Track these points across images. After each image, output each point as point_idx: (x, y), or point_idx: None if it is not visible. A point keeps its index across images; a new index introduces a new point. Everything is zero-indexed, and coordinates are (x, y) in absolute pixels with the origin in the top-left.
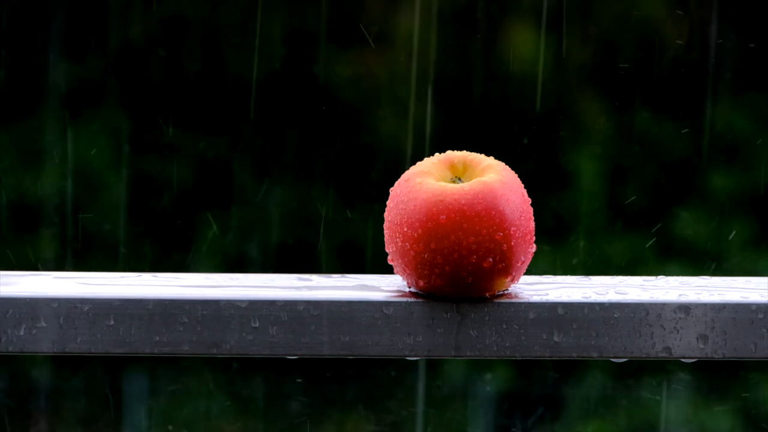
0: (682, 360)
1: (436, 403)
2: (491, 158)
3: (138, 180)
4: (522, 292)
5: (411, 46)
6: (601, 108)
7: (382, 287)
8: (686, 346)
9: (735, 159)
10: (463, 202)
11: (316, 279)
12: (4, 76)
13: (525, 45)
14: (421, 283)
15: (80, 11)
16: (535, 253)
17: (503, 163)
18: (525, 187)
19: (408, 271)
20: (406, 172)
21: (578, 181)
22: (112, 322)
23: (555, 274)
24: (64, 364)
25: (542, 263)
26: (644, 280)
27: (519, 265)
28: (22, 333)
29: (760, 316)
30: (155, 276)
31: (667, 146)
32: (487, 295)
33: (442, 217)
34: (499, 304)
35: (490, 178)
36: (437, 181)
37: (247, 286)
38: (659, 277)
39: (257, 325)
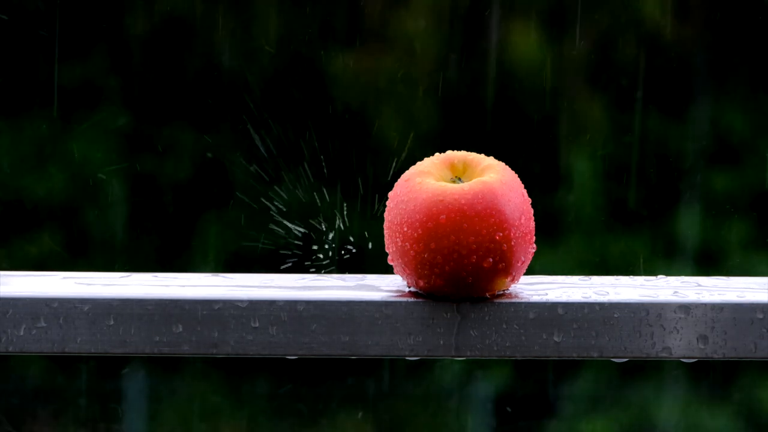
0: (682, 360)
1: (435, 403)
2: (491, 158)
3: (138, 179)
4: (522, 292)
5: (412, 46)
6: (600, 108)
7: (382, 287)
8: (686, 346)
9: (735, 159)
10: (463, 202)
11: (315, 279)
12: (3, 76)
13: (525, 45)
14: (421, 283)
15: (80, 10)
16: (535, 253)
17: (503, 163)
18: (525, 187)
19: (408, 271)
20: (406, 172)
21: (578, 181)
22: (112, 322)
23: (555, 274)
24: (64, 364)
25: (542, 263)
26: (644, 280)
27: (519, 265)
28: (22, 333)
29: (760, 316)
30: (155, 276)
31: (667, 146)
32: (487, 295)
33: (442, 217)
34: (499, 304)
35: (490, 178)
36: (437, 181)
37: (247, 286)
38: (659, 277)
39: (257, 325)
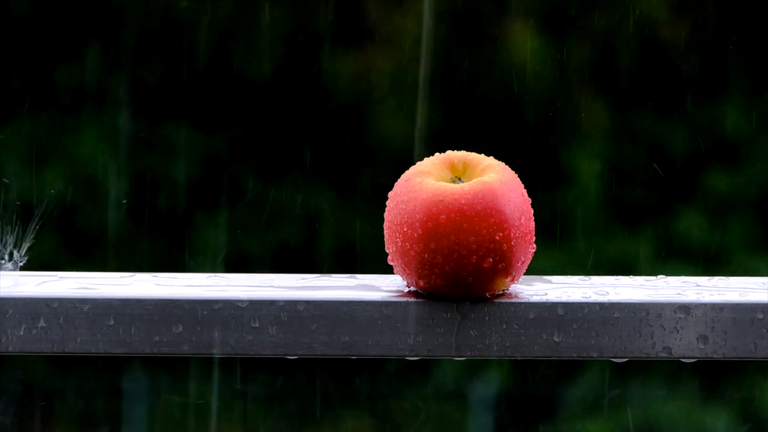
0: (682, 360)
1: (435, 403)
2: (491, 158)
3: (138, 179)
4: (522, 292)
5: (411, 46)
6: (600, 107)
7: (382, 287)
8: (686, 346)
9: (735, 159)
10: (463, 202)
11: (316, 279)
12: (3, 75)
13: (525, 44)
14: (421, 283)
15: (80, 10)
16: (535, 253)
17: (503, 163)
18: (525, 187)
19: (408, 271)
20: (406, 172)
21: (578, 181)
22: (112, 322)
23: (555, 274)
24: (64, 364)
25: (542, 263)
26: (644, 280)
27: (519, 265)
28: (22, 333)
29: (760, 316)
30: (155, 276)
31: (667, 146)
32: (487, 295)
33: (442, 217)
34: (499, 304)
35: (490, 178)
36: (437, 181)
37: (247, 286)
38: (659, 277)
39: (257, 325)
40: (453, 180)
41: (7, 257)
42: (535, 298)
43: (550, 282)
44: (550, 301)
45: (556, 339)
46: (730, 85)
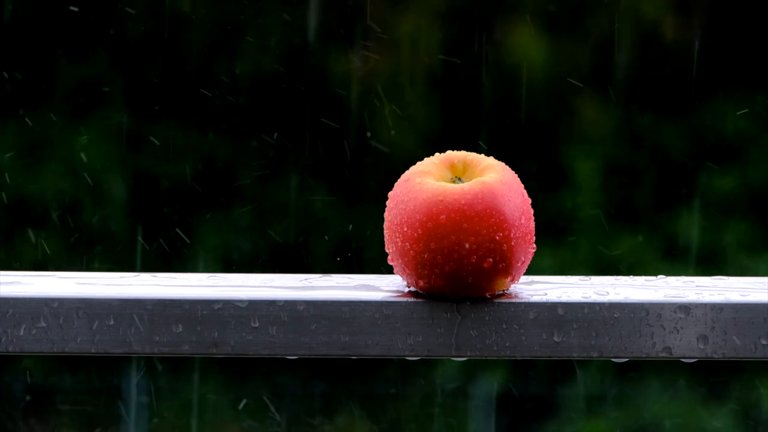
0: (682, 360)
1: (435, 403)
2: (491, 158)
3: (138, 179)
4: (522, 292)
5: (411, 46)
6: (600, 108)
7: (382, 287)
8: (686, 346)
9: (735, 159)
10: (463, 202)
11: (316, 279)
12: (4, 75)
13: (525, 45)
14: (421, 283)
15: (81, 10)
16: (534, 253)
17: (503, 163)
18: (525, 187)
19: (408, 271)
20: (406, 172)
21: (578, 181)
22: (112, 322)
23: (555, 274)
24: (64, 364)
25: (542, 263)
26: (644, 280)
27: (519, 265)
28: (22, 333)
29: (760, 316)
30: (155, 276)
31: (667, 146)
32: (487, 295)
33: (442, 217)
34: (499, 304)
35: (490, 178)
36: (437, 181)
37: (247, 286)
38: (659, 277)
39: (257, 325)
40: (453, 180)
41: None
42: (535, 298)
43: (550, 282)
44: (550, 301)
45: (556, 339)
46: (729, 85)
